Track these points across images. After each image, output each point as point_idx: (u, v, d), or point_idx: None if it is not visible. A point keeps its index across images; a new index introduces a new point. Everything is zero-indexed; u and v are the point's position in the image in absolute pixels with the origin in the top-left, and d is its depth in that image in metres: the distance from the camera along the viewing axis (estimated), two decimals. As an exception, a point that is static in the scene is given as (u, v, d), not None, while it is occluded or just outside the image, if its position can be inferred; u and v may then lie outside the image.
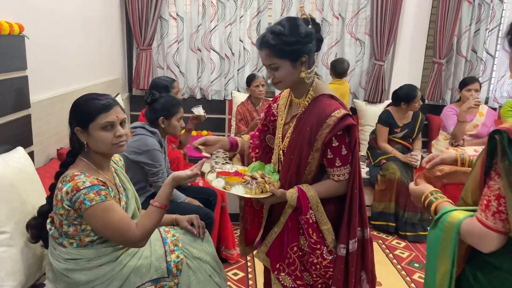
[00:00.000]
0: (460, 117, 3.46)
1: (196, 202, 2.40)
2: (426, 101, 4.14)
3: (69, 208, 1.38)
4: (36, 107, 2.08)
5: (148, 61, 3.76)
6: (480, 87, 3.61)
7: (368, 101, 4.01)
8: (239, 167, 1.68)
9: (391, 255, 3.03)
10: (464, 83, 3.62)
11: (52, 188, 1.50)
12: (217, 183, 1.54)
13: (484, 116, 3.65)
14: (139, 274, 1.52)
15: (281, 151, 1.61)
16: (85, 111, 1.43)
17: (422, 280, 2.67)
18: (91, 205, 1.36)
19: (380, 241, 3.24)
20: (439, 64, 3.94)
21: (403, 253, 3.07)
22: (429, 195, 1.23)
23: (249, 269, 2.73)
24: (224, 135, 4.09)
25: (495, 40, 4.05)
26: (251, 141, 1.79)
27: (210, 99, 3.99)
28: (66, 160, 1.50)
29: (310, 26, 1.48)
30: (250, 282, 2.60)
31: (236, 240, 3.03)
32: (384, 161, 3.42)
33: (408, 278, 2.73)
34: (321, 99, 1.52)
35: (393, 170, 3.31)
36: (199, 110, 2.88)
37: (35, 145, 2.08)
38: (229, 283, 2.57)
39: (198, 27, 3.84)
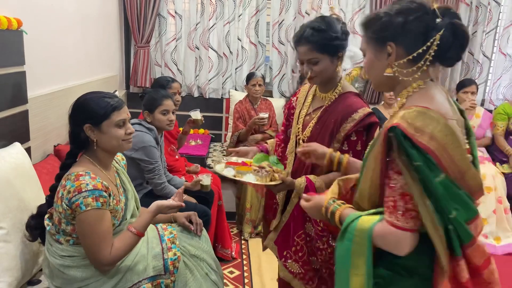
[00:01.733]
0: None
1: (193, 200, 2.40)
2: (423, 102, 4.16)
3: (67, 207, 1.38)
4: (33, 103, 2.07)
5: (146, 59, 3.75)
6: (477, 89, 3.63)
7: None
8: (244, 159, 1.73)
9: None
10: (462, 85, 3.64)
11: (52, 189, 1.50)
12: (228, 172, 1.63)
13: (480, 118, 3.69)
14: (135, 271, 1.52)
15: (301, 140, 1.65)
16: (99, 108, 1.45)
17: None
18: (85, 210, 1.36)
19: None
20: (436, 66, 3.95)
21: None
22: (330, 203, 1.17)
23: (245, 268, 2.74)
24: (220, 133, 4.11)
25: (492, 42, 4.06)
26: (277, 139, 1.88)
27: (207, 97, 3.99)
28: (66, 162, 1.49)
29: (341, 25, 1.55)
30: (246, 281, 2.60)
31: (232, 238, 3.04)
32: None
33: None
34: (349, 96, 1.58)
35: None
36: (196, 114, 2.92)
37: (32, 140, 2.07)
38: (225, 281, 2.56)
39: (197, 25, 3.83)
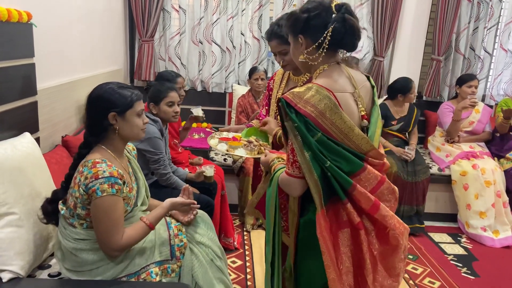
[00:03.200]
0: (455, 116, 3.53)
1: (196, 191, 2.45)
2: (424, 98, 4.20)
3: (84, 192, 1.44)
4: (42, 94, 2.12)
5: (150, 53, 3.80)
6: (478, 84, 3.67)
7: (366, 96, 4.06)
8: (234, 134, 2.06)
9: (386, 247, 3.09)
10: (463, 80, 3.68)
11: (68, 178, 1.56)
12: (221, 147, 1.92)
13: (480, 113, 3.72)
14: (144, 256, 1.58)
15: (276, 115, 1.91)
16: (125, 97, 1.53)
17: (415, 271, 2.76)
18: (101, 196, 1.42)
19: (376, 234, 3.31)
20: (437, 61, 3.99)
21: (397, 245, 3.14)
22: (275, 160, 1.49)
23: (247, 258, 2.80)
24: (224, 127, 4.14)
25: (493, 38, 4.10)
26: (260, 118, 2.09)
27: (210, 91, 4.03)
28: (82, 152, 1.54)
29: None
30: (248, 270, 2.66)
31: (234, 229, 3.09)
32: (381, 155, 3.48)
33: (402, 269, 2.80)
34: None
35: (389, 164, 3.35)
36: (198, 111, 2.95)
37: (41, 131, 2.12)
38: (227, 270, 2.62)
39: (200, 19, 3.87)
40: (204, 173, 2.45)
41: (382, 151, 1.38)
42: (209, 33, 3.89)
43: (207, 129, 3.97)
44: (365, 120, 1.35)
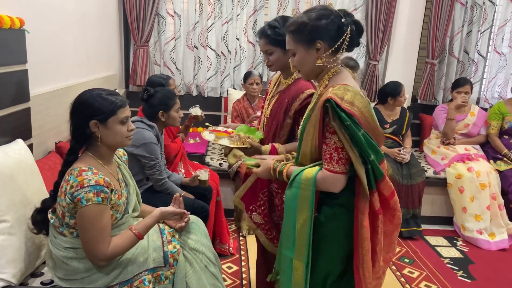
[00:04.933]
0: (449, 115, 3.55)
1: (191, 196, 2.44)
2: (419, 101, 4.21)
3: (70, 201, 1.42)
4: (35, 101, 2.11)
5: (145, 58, 3.80)
6: (472, 88, 3.69)
7: (362, 100, 4.07)
8: (230, 129, 2.12)
9: (382, 251, 3.09)
10: (454, 85, 3.71)
11: (56, 185, 1.54)
12: (209, 137, 2.06)
13: (475, 116, 3.74)
14: (136, 263, 1.57)
15: (265, 118, 2.02)
16: (107, 105, 1.50)
17: (412, 275, 2.75)
18: (86, 205, 1.40)
19: (372, 237, 3.30)
20: (431, 65, 4.01)
21: (394, 249, 3.13)
22: (276, 164, 1.55)
23: (243, 263, 2.78)
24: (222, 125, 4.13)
25: (487, 41, 4.12)
26: (259, 119, 2.20)
27: (206, 96, 4.03)
28: (69, 159, 1.52)
29: None
30: (244, 275, 2.65)
31: (230, 234, 3.09)
32: (377, 158, 3.49)
33: (398, 273, 2.79)
34: (300, 80, 1.91)
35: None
36: (196, 111, 2.97)
37: (34, 137, 2.11)
38: (223, 275, 2.61)
39: (195, 24, 3.88)
40: (198, 177, 2.44)
41: None
42: (204, 38, 3.89)
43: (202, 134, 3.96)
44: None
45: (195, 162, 3.21)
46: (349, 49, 1.46)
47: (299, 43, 1.46)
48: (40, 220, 1.55)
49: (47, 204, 1.56)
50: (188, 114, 3.02)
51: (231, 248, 2.91)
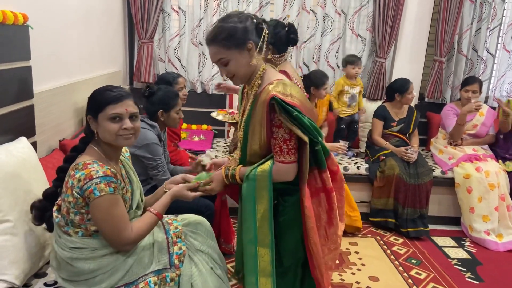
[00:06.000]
0: (460, 120, 3.48)
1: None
2: (426, 99, 4.16)
3: (78, 196, 1.39)
4: (39, 98, 2.08)
5: (150, 54, 3.76)
6: (481, 87, 3.62)
7: (369, 98, 4.02)
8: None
9: (388, 251, 3.05)
10: (463, 84, 3.65)
11: (59, 171, 1.52)
12: (213, 114, 2.83)
13: (484, 116, 3.67)
14: (141, 265, 1.54)
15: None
16: (97, 101, 1.49)
17: (419, 276, 2.72)
18: (100, 196, 1.38)
19: (378, 237, 3.27)
20: (440, 62, 3.95)
21: (400, 249, 3.10)
22: (226, 171, 1.62)
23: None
24: (223, 129, 4.11)
25: (496, 39, 4.05)
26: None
27: (210, 93, 3.99)
28: (78, 146, 1.53)
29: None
30: (249, 276, 2.61)
31: (235, 233, 3.05)
32: (383, 157, 3.45)
33: (405, 274, 2.75)
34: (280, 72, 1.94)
35: (391, 166, 3.32)
36: (206, 158, 2.73)
37: (38, 135, 2.08)
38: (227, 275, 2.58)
39: (200, 20, 3.83)
40: (201, 163, 2.40)
41: None
42: (209, 34, 3.84)
43: (209, 130, 3.93)
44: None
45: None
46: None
47: (232, 49, 1.48)
48: (38, 207, 1.53)
49: (48, 191, 1.54)
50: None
51: (235, 247, 2.88)
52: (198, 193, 1.67)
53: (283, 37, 2.23)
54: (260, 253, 1.53)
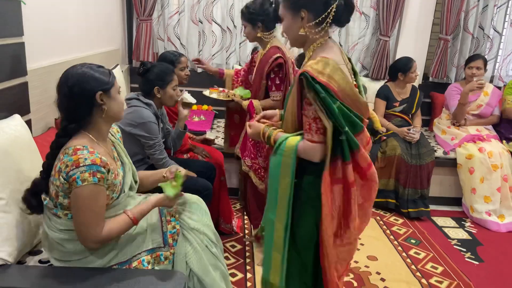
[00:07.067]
0: (462, 99, 3.42)
1: (193, 175, 2.38)
2: (430, 79, 4.08)
3: (65, 181, 1.38)
4: (33, 75, 2.04)
5: (148, 33, 3.69)
6: (485, 64, 3.54)
7: (372, 78, 3.95)
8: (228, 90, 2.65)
9: (388, 231, 3.04)
10: (468, 60, 3.57)
11: (46, 166, 1.49)
12: (206, 92, 2.59)
13: (489, 95, 3.61)
14: (135, 244, 1.53)
15: (251, 82, 2.54)
16: (105, 75, 1.48)
17: (418, 256, 2.71)
18: (81, 185, 1.35)
19: (378, 218, 3.26)
20: (445, 41, 3.86)
21: (400, 230, 3.09)
22: (266, 129, 1.59)
23: (247, 242, 2.75)
24: (224, 110, 4.05)
25: (503, 17, 3.95)
26: (234, 77, 2.79)
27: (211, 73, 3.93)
28: (60, 141, 1.46)
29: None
30: (247, 254, 2.62)
31: (234, 213, 3.05)
32: (384, 137, 3.41)
33: (404, 254, 2.75)
34: (271, 48, 2.37)
35: (393, 147, 3.29)
36: (187, 97, 2.71)
37: (33, 113, 2.05)
38: (226, 254, 2.59)
39: (200, -3, 3.76)
40: (183, 100, 2.46)
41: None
42: (209, 12, 3.78)
43: (210, 110, 3.89)
44: (356, 89, 1.49)
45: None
46: (339, 24, 1.49)
47: (287, 10, 1.51)
48: (35, 204, 1.50)
49: (39, 187, 1.49)
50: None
51: (235, 227, 2.88)
52: (177, 199, 1.65)
53: (270, 14, 2.33)
54: (276, 227, 1.51)
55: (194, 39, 3.86)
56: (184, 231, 1.63)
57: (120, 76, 3.00)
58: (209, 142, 2.94)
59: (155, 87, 2.28)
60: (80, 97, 1.44)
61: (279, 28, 2.62)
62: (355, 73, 1.57)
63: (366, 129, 1.50)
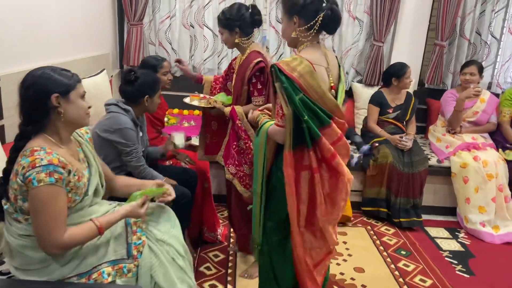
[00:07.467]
0: (457, 106, 3.34)
1: (173, 182, 2.33)
2: (426, 85, 4.01)
3: (22, 183, 1.33)
4: (6, 80, 2.00)
5: (139, 37, 3.66)
6: (481, 71, 3.45)
7: (365, 84, 3.89)
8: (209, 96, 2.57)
9: (378, 242, 2.96)
10: (462, 66, 3.50)
11: (5, 172, 1.44)
12: (187, 100, 2.47)
13: (485, 102, 3.52)
14: (96, 255, 1.47)
15: (231, 88, 2.48)
16: (66, 78, 1.44)
17: (407, 268, 2.63)
18: (37, 186, 1.30)
19: (369, 227, 3.18)
20: (440, 47, 3.79)
21: (390, 240, 3.00)
22: (260, 116, 1.87)
23: (230, 252, 2.69)
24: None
25: (501, 22, 3.87)
26: (213, 83, 2.67)
27: (202, 77, 3.88)
28: (19, 145, 1.41)
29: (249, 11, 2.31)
30: (230, 264, 2.55)
31: (220, 221, 2.99)
32: (377, 144, 3.33)
33: (392, 266, 2.66)
34: (251, 54, 2.32)
35: (384, 154, 3.21)
36: (178, 138, 2.60)
37: (6, 119, 2.02)
38: (208, 264, 2.53)
39: (191, 2, 3.71)
40: (172, 141, 2.38)
41: (343, 113, 1.72)
42: (201, 16, 3.74)
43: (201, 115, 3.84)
44: (333, 90, 1.69)
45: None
46: (327, 31, 1.70)
47: (284, 14, 1.74)
48: None
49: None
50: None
51: (219, 236, 2.82)
52: (145, 207, 1.60)
53: (247, 19, 2.29)
54: (256, 201, 1.80)
55: (186, 43, 3.82)
56: (150, 242, 1.57)
57: (105, 80, 2.96)
58: (194, 148, 2.88)
59: (145, 95, 2.24)
60: (35, 99, 1.40)
61: (256, 33, 2.61)
62: (340, 77, 1.76)
63: (336, 127, 1.64)
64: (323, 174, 1.63)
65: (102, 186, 1.62)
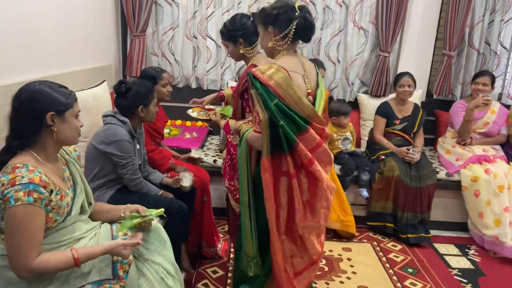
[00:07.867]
0: (467, 116, 3.24)
1: (170, 195, 2.27)
2: (435, 96, 3.91)
3: (1, 201, 1.27)
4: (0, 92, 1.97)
5: (142, 48, 3.63)
6: (493, 82, 3.36)
7: (371, 95, 3.80)
8: (212, 106, 2.61)
9: (384, 258, 2.85)
10: (475, 76, 3.41)
11: None
12: (189, 112, 2.56)
13: (495, 113, 3.41)
14: (80, 274, 1.41)
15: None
16: (64, 97, 1.40)
17: (413, 287, 2.51)
18: (14, 205, 1.25)
19: (375, 243, 3.06)
20: (449, 57, 3.69)
21: (397, 257, 2.89)
22: (242, 125, 1.87)
23: (230, 268, 2.60)
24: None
25: (511, 32, 3.76)
26: (234, 94, 2.42)
27: (205, 88, 3.84)
28: (3, 159, 1.37)
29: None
30: (229, 281, 2.46)
31: (221, 236, 2.91)
32: (383, 157, 3.24)
33: (399, 284, 2.55)
34: (250, 67, 2.19)
35: (391, 167, 3.11)
36: (198, 153, 2.85)
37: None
38: (205, 281, 2.45)
39: (194, 13, 3.69)
40: (181, 182, 2.30)
41: (324, 120, 1.74)
42: (204, 27, 3.70)
43: (204, 126, 3.79)
44: (310, 97, 1.74)
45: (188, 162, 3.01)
46: (303, 39, 1.77)
47: (261, 25, 1.80)
48: None
49: None
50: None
51: (219, 251, 2.73)
52: (133, 248, 1.49)
53: (249, 27, 2.24)
54: (244, 212, 1.78)
55: (189, 54, 3.79)
56: (138, 262, 1.51)
57: (105, 92, 2.92)
58: (194, 160, 2.82)
59: (139, 106, 2.19)
60: (29, 114, 1.37)
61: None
62: (319, 85, 1.81)
63: (315, 133, 1.66)
64: (301, 180, 1.65)
65: (90, 204, 1.56)
